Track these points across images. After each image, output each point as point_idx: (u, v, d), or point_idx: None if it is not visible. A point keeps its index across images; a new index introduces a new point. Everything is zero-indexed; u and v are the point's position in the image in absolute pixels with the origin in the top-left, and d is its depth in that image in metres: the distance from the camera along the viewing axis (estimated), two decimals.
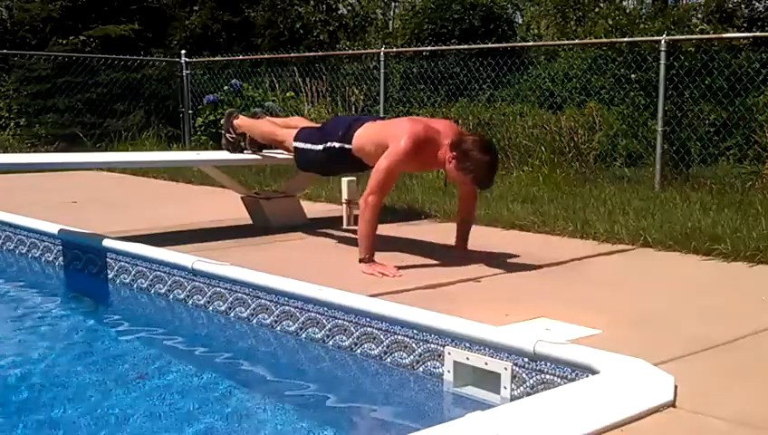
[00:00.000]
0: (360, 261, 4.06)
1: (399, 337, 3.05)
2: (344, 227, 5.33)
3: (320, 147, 4.53)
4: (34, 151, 10.84)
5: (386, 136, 4.20)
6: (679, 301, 3.62)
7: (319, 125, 4.92)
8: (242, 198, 5.59)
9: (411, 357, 3.01)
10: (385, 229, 5.03)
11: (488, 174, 3.99)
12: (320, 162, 4.65)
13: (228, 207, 5.87)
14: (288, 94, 10.94)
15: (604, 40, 9.29)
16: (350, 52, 13.22)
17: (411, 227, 5.45)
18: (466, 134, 4.32)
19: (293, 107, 10.64)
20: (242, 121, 5.29)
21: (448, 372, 2.86)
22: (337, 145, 4.43)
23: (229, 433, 2.64)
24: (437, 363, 2.92)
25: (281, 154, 5.29)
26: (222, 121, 5.75)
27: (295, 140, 4.75)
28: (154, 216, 5.91)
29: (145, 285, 4.20)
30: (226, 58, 12.01)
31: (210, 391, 3.00)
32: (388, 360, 3.08)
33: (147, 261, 4.20)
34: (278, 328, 3.50)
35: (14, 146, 11.00)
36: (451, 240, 4.54)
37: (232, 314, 3.72)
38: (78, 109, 12.07)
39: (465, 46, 10.22)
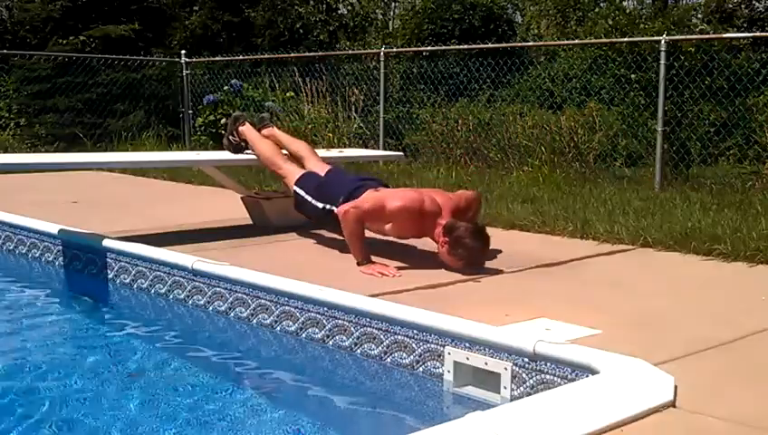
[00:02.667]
0: (358, 264, 4.09)
1: (399, 337, 3.06)
2: None
3: (319, 205, 4.55)
4: (34, 151, 10.83)
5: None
6: (679, 301, 3.62)
7: (322, 170, 4.83)
8: (242, 198, 5.60)
9: (411, 357, 3.01)
10: None
11: (479, 259, 4.07)
12: (317, 217, 4.71)
13: (228, 207, 5.87)
14: (288, 94, 10.93)
15: (604, 40, 9.29)
16: (350, 52, 13.21)
17: None
18: (462, 204, 4.32)
19: (293, 107, 10.64)
20: (247, 131, 5.26)
21: (448, 372, 2.86)
22: (336, 209, 4.40)
23: (228, 433, 2.64)
24: (437, 363, 2.92)
25: None
26: (224, 121, 5.75)
27: (297, 184, 4.74)
28: (154, 216, 5.91)
29: (145, 285, 4.20)
30: (226, 58, 12.01)
31: (209, 390, 3.00)
32: (388, 360, 3.08)
33: (147, 261, 4.20)
34: (278, 328, 3.50)
35: (14, 146, 10.99)
36: None
37: (232, 315, 3.72)
38: (78, 109, 12.06)
39: (465, 46, 10.21)
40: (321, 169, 4.84)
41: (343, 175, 4.77)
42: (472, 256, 4.01)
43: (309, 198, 4.63)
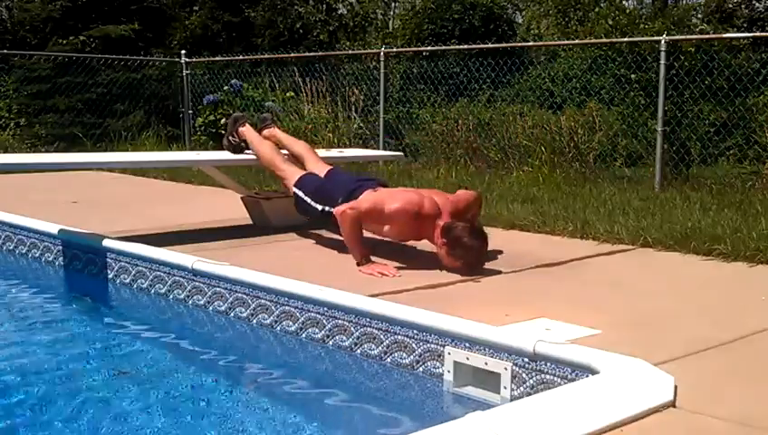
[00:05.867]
0: (358, 265, 4.09)
1: (399, 337, 3.05)
2: None
3: (318, 207, 4.55)
4: (34, 151, 10.83)
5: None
6: (679, 301, 3.62)
7: (322, 170, 4.83)
8: (242, 198, 5.60)
9: (411, 357, 3.01)
10: None
11: (478, 259, 4.04)
12: (317, 218, 4.70)
13: (228, 207, 5.87)
14: (288, 94, 10.94)
15: (604, 40, 9.29)
16: (350, 52, 13.21)
17: None
18: (461, 205, 4.30)
19: (293, 107, 10.64)
20: (247, 132, 5.26)
21: (448, 372, 2.86)
22: (334, 211, 4.40)
23: (226, 433, 2.64)
24: (437, 363, 2.92)
25: None
26: (224, 121, 5.75)
27: (296, 186, 4.73)
28: (154, 216, 5.91)
29: (145, 285, 4.20)
30: (226, 58, 12.01)
31: (210, 390, 3.00)
32: (388, 360, 3.08)
33: (147, 261, 4.20)
34: (278, 328, 3.50)
35: (14, 146, 10.99)
36: None
37: (232, 314, 3.72)
38: (78, 109, 12.06)
39: (465, 46, 10.21)
40: (321, 170, 4.84)
41: (343, 176, 4.76)
42: (471, 256, 4.00)
43: (308, 200, 4.63)
